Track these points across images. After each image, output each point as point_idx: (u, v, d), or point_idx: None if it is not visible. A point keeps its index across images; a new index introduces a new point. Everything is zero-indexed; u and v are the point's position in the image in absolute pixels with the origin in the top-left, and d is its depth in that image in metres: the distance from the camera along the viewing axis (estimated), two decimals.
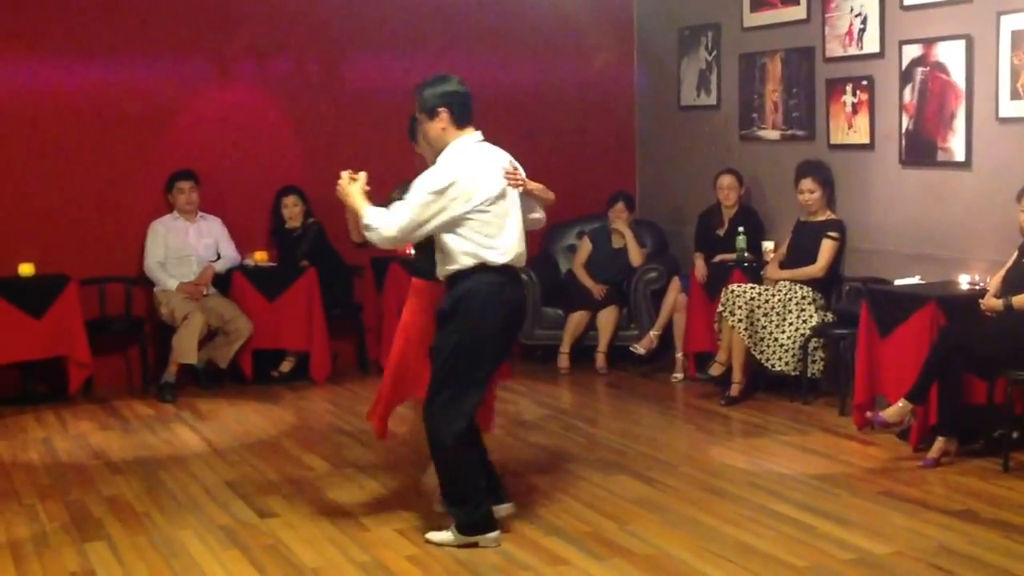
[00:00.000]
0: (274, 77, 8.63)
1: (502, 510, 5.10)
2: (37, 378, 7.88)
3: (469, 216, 4.82)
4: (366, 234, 4.92)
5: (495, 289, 4.88)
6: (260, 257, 8.37)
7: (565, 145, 9.42)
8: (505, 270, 4.93)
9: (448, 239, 4.85)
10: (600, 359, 8.53)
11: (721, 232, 8.24)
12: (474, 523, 4.88)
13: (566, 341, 8.63)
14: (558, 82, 9.43)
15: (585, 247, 8.88)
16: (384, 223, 4.82)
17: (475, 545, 4.86)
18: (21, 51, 8.01)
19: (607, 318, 8.57)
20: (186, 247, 8.23)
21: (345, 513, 5.33)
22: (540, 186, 5.25)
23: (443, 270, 4.95)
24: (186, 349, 7.82)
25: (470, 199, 4.82)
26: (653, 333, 8.31)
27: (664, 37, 9.36)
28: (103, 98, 8.20)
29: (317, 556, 4.80)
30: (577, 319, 8.63)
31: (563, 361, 8.60)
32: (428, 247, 5.04)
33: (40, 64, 8.06)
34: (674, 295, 8.26)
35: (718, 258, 8.09)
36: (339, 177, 5.00)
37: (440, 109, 4.94)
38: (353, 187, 4.96)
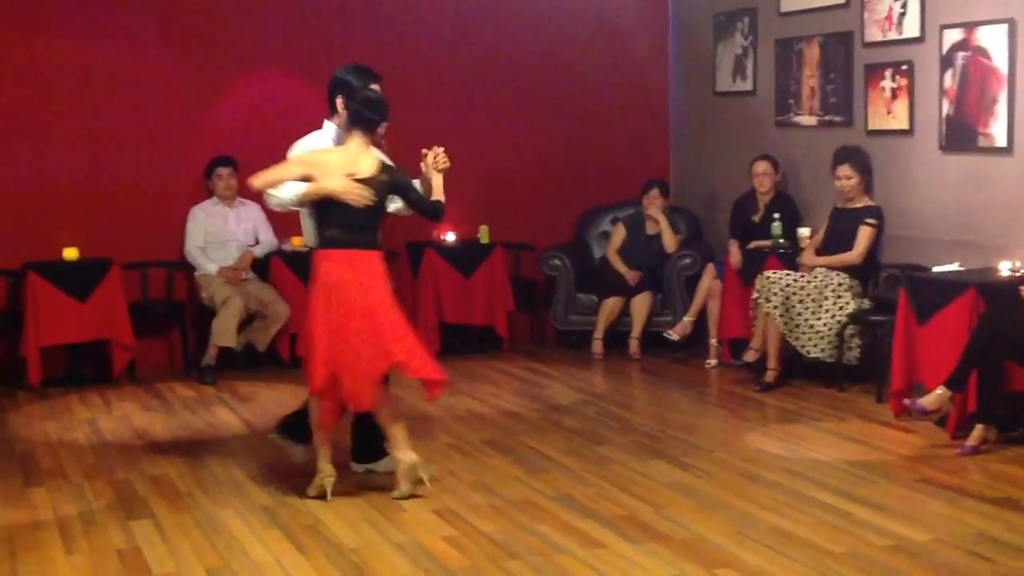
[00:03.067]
0: (314, 63, 8.69)
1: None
2: (82, 360, 8.03)
3: None
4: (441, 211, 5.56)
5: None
6: (298, 242, 8.43)
7: (599, 131, 9.47)
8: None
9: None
10: (634, 345, 8.58)
11: (756, 218, 8.25)
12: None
13: (600, 327, 8.68)
14: (592, 68, 9.47)
15: (619, 233, 8.92)
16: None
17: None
18: (66, 38, 8.14)
19: (641, 304, 8.61)
20: (225, 232, 8.33)
21: (383, 494, 5.40)
22: None
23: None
24: (226, 332, 7.92)
25: None
26: (687, 319, 8.35)
27: (700, 22, 9.37)
28: (145, 84, 8.32)
29: (356, 536, 4.88)
30: (611, 305, 8.68)
31: (597, 347, 8.65)
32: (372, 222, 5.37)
33: (83, 51, 8.19)
34: (708, 281, 8.29)
35: (753, 244, 8.11)
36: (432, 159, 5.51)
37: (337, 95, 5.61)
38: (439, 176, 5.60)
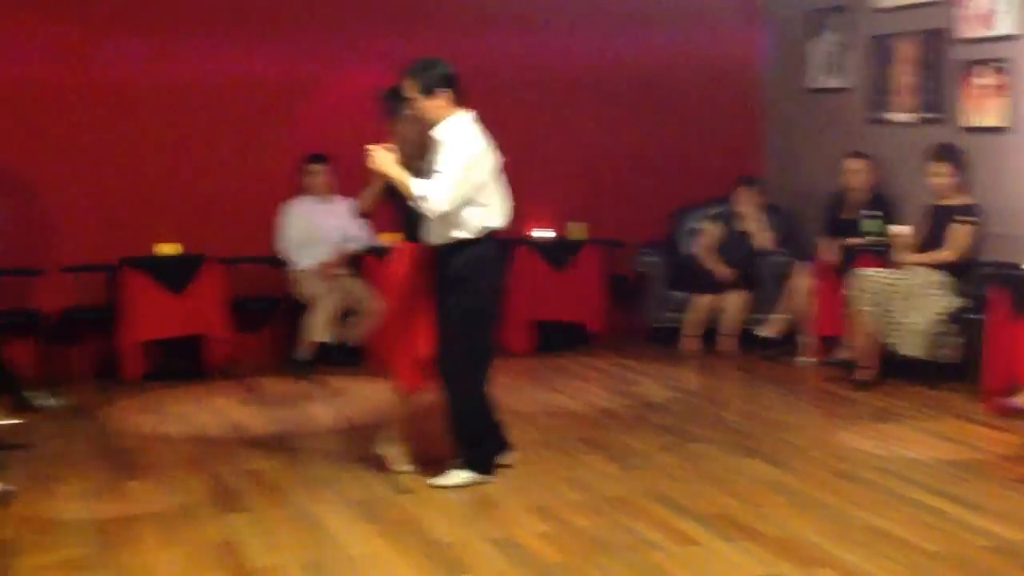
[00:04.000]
0: (405, 59, 8.75)
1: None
2: (178, 354, 8.17)
3: (484, 185, 5.35)
4: (420, 204, 5.29)
5: (499, 254, 5.50)
6: (389, 239, 8.52)
7: (690, 127, 9.41)
8: (496, 234, 5.47)
9: (464, 208, 5.33)
10: (726, 342, 8.51)
11: (850, 216, 8.14)
12: (484, 463, 5.48)
13: (692, 324, 8.64)
14: (684, 64, 9.40)
15: (711, 230, 8.85)
16: (436, 194, 5.24)
17: (481, 484, 5.44)
18: (164, 36, 8.28)
19: (733, 302, 8.55)
20: (319, 228, 8.41)
21: (477, 490, 5.42)
22: None
23: (445, 236, 5.38)
24: (319, 328, 8.01)
25: (487, 169, 5.38)
26: (780, 316, 8.27)
27: (791, 18, 9.26)
28: (241, 82, 8.44)
29: (451, 532, 4.90)
30: (703, 302, 8.63)
31: (689, 344, 8.60)
32: (409, 209, 5.41)
33: (181, 49, 8.32)
34: (802, 279, 8.20)
35: (847, 242, 8.00)
36: (368, 151, 5.42)
37: (439, 89, 5.37)
38: (389, 159, 5.38)
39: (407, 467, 5.67)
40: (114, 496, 5.50)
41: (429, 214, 5.30)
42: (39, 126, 8.07)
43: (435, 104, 5.40)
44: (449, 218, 5.33)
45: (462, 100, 5.48)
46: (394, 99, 5.60)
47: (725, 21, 9.49)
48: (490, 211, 5.43)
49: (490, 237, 5.43)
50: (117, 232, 8.14)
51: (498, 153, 5.51)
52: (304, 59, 8.56)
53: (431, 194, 5.26)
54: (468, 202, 5.34)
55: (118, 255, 7.96)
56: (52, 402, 6.39)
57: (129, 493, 5.54)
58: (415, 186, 5.28)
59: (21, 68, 8.00)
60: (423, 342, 5.52)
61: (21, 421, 6.21)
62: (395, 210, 5.64)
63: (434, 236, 5.43)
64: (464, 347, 5.42)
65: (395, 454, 5.72)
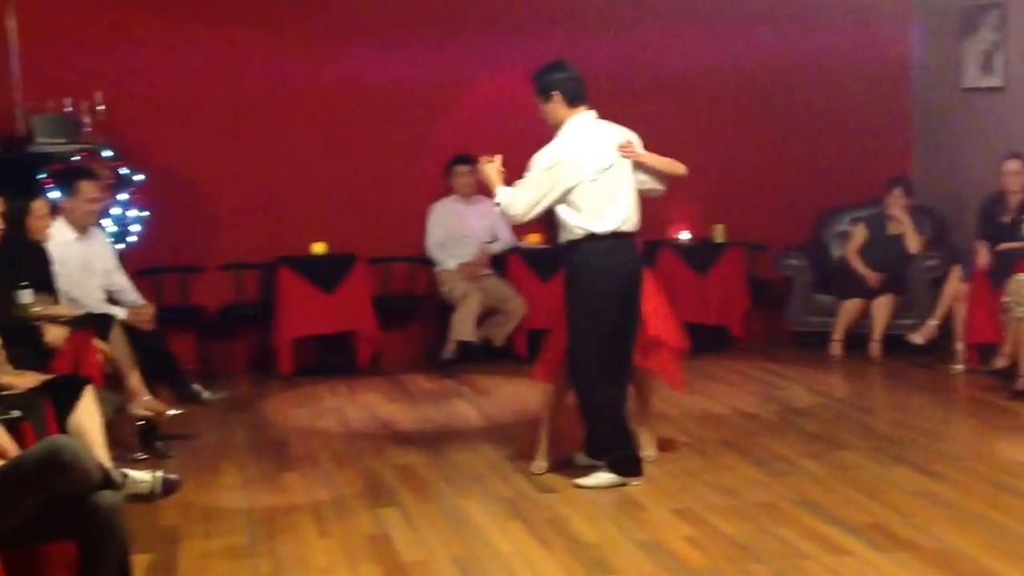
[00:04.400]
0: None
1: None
2: (330, 351, 8.39)
3: (579, 189, 5.40)
4: (502, 211, 5.51)
5: (604, 257, 5.43)
6: (534, 239, 8.61)
7: (839, 128, 9.27)
8: (615, 237, 5.45)
9: (561, 211, 5.48)
10: (875, 348, 8.36)
11: (1006, 219, 7.92)
12: (626, 465, 5.48)
13: (839, 328, 8.51)
14: (832, 63, 9.25)
15: (860, 233, 8.71)
16: (510, 201, 5.44)
17: (624, 485, 5.45)
18: (320, 43, 8.51)
19: (883, 306, 8.39)
20: (464, 229, 8.54)
21: (622, 492, 5.45)
22: (664, 160, 5.75)
23: (560, 238, 5.59)
24: (465, 327, 8.13)
25: (578, 173, 5.40)
26: (932, 323, 8.08)
27: (945, 15, 9.05)
28: (391, 86, 8.62)
29: (596, 532, 4.93)
30: (851, 307, 8.49)
31: (836, 349, 8.48)
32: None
33: (331, 54, 8.54)
34: (955, 284, 8.00)
35: (1003, 246, 7.78)
36: (481, 162, 5.64)
37: (553, 92, 5.46)
38: (490, 168, 5.56)
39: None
40: (271, 487, 5.69)
41: (509, 220, 5.68)
42: (201, 130, 8.37)
43: (552, 107, 5.52)
44: (560, 221, 5.52)
45: (588, 102, 5.58)
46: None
47: (876, 19, 9.31)
48: (589, 215, 5.44)
49: (594, 239, 5.44)
50: (273, 232, 8.40)
51: (614, 155, 5.54)
52: (451, 63, 8.69)
53: (505, 200, 5.46)
54: (557, 206, 5.47)
55: (274, 254, 8.21)
56: (212, 395, 6.63)
57: (285, 484, 5.72)
58: (499, 193, 5.50)
59: (185, 74, 8.31)
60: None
61: (183, 412, 6.44)
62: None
63: (559, 238, 5.62)
64: (579, 346, 5.46)
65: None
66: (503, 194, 5.48)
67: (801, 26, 9.20)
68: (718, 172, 9.06)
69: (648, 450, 5.87)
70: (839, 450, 6.10)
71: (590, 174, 5.45)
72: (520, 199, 5.44)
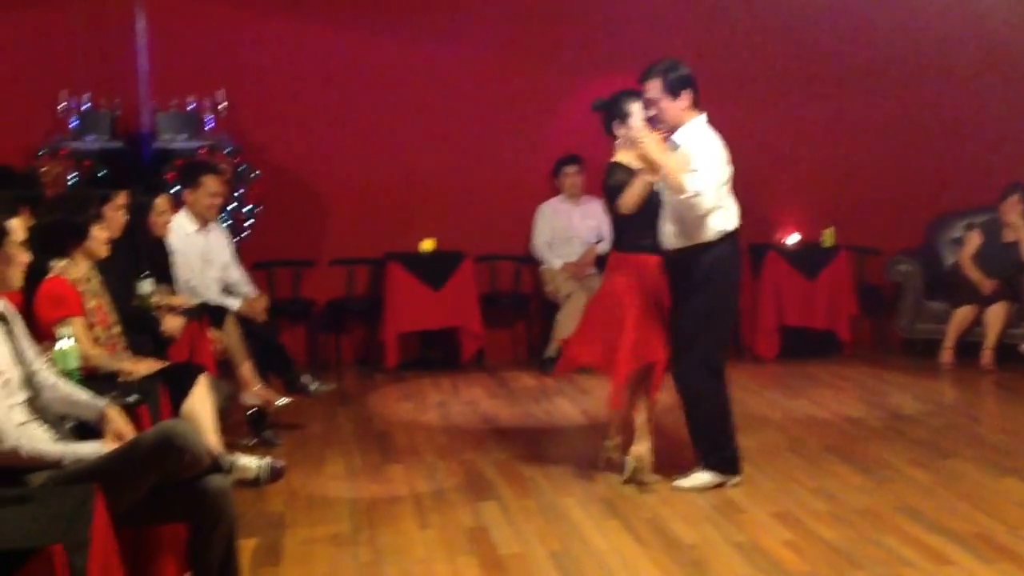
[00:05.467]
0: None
1: None
2: (435, 346, 8.51)
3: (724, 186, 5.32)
4: (693, 200, 5.15)
5: (738, 253, 5.45)
6: None
7: (953, 131, 9.12)
8: (736, 234, 5.41)
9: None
10: (987, 356, 8.20)
11: None
12: (726, 464, 5.47)
13: (950, 336, 8.37)
14: (947, 65, 9.11)
15: (974, 240, 8.55)
16: (708, 190, 5.17)
17: (723, 485, 5.43)
18: (428, 46, 8.65)
19: (996, 314, 8.23)
20: (571, 228, 8.59)
21: (721, 493, 5.44)
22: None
23: (689, 240, 5.33)
24: (569, 326, 8.13)
25: (728, 171, 5.34)
26: None
27: None
28: (497, 89, 8.74)
29: (694, 533, 4.93)
30: (963, 314, 8.34)
31: (946, 356, 8.34)
32: (628, 221, 5.43)
33: (443, 58, 8.69)
34: None
35: None
36: (639, 136, 5.25)
37: (683, 90, 5.30)
38: (652, 143, 5.21)
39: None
40: (374, 477, 5.80)
41: (698, 210, 5.19)
42: (316, 128, 8.59)
43: (679, 106, 5.31)
44: (691, 221, 5.29)
45: (699, 103, 5.41)
46: (610, 108, 5.63)
47: (995, 19, 9.12)
48: (728, 213, 5.40)
49: (727, 238, 5.39)
50: (384, 229, 8.55)
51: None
52: (558, 68, 8.76)
53: (704, 188, 5.14)
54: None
55: (384, 250, 8.36)
56: (321, 387, 6.76)
57: (388, 475, 5.83)
58: (688, 180, 5.12)
59: (303, 73, 8.53)
60: (652, 350, 5.51)
61: (291, 401, 6.59)
62: (617, 218, 5.59)
63: (676, 241, 5.40)
64: (706, 348, 5.42)
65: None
66: (696, 181, 5.13)
67: (918, 26, 9.06)
68: (829, 174, 9.00)
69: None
70: (946, 458, 6.00)
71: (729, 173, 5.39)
72: (714, 189, 5.21)
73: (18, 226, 3.59)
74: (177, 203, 6.71)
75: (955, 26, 9.09)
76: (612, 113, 5.63)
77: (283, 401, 6.46)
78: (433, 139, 8.71)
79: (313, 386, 6.74)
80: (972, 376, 8.06)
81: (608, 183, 5.58)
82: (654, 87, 5.32)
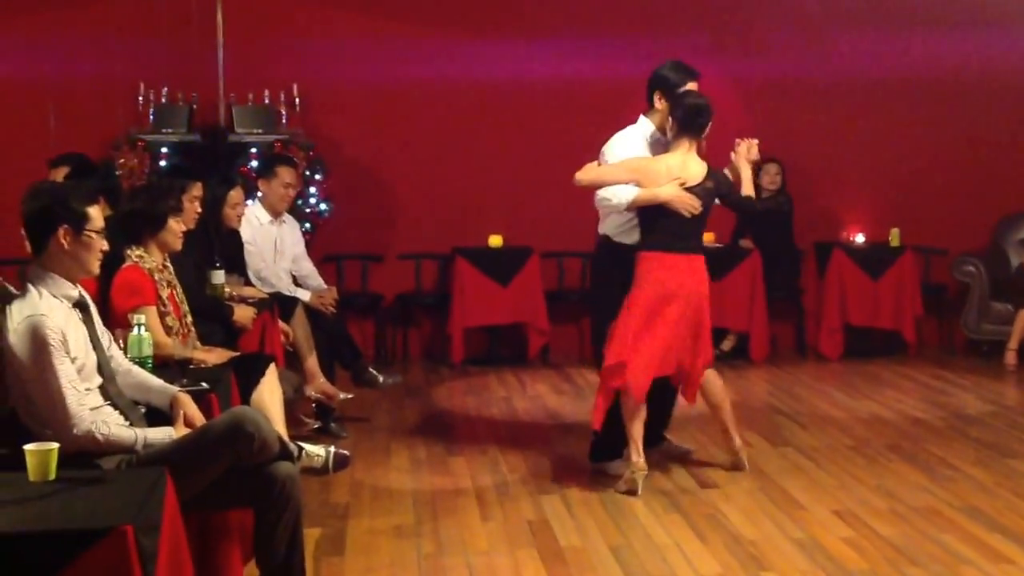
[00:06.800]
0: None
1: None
2: (500, 342, 8.60)
3: None
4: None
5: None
6: (708, 238, 8.60)
7: (1019, 133, 9.02)
8: None
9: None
10: None
11: None
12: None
13: (1015, 338, 8.30)
14: (1017, 63, 8.99)
15: None
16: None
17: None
18: (495, 41, 8.77)
19: None
20: None
21: (782, 490, 5.46)
22: None
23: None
24: None
25: None
26: None
27: None
28: (566, 84, 8.81)
29: (754, 529, 4.96)
30: None
31: (1010, 358, 8.28)
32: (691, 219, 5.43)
33: (511, 53, 8.80)
34: None
35: None
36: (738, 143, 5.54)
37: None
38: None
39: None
40: (438, 469, 5.89)
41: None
42: (386, 124, 8.73)
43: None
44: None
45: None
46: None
47: None
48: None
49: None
50: (452, 224, 8.66)
51: None
52: (626, 60, 8.75)
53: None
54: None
55: (452, 245, 8.46)
56: (388, 379, 6.84)
57: (452, 468, 5.91)
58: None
59: (374, 70, 8.66)
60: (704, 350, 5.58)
61: (353, 396, 6.67)
62: (667, 219, 5.48)
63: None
64: None
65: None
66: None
67: (987, 29, 8.98)
68: (896, 174, 8.95)
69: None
70: (1007, 458, 5.98)
71: None
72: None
73: (96, 214, 3.70)
74: (249, 195, 6.83)
75: (1018, 27, 8.99)
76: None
77: (345, 396, 6.53)
78: (501, 135, 8.79)
79: (381, 380, 6.81)
80: None
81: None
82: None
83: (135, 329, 4.29)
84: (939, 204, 8.98)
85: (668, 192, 5.34)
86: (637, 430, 5.44)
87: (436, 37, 8.70)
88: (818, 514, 5.14)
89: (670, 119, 5.47)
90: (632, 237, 5.56)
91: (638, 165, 5.46)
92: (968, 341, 8.76)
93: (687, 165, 5.42)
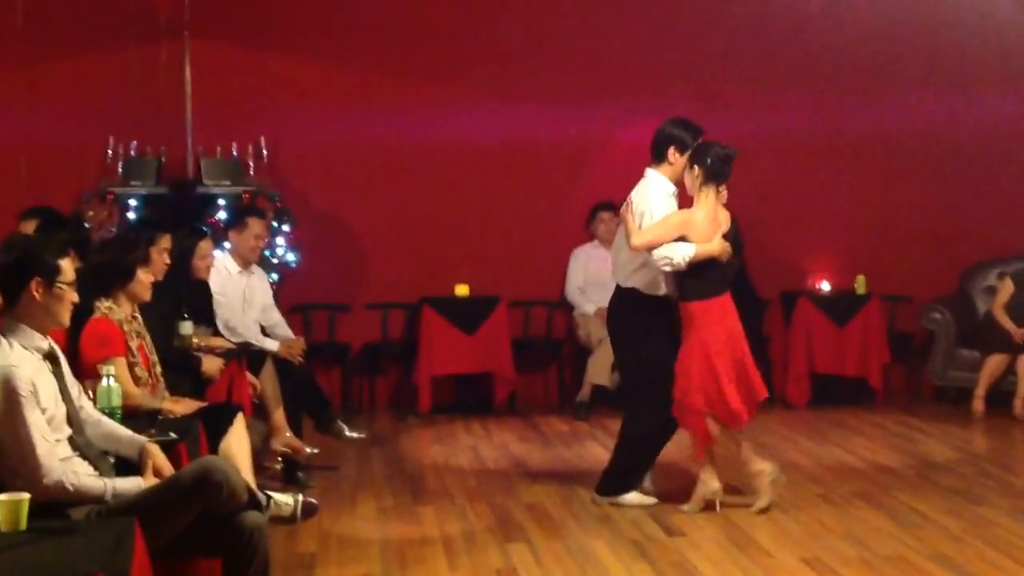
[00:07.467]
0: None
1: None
2: (467, 390, 8.60)
3: None
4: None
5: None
6: None
7: (987, 179, 9.16)
8: None
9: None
10: (1019, 406, 8.20)
11: None
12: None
13: (982, 384, 8.37)
14: (983, 112, 9.15)
15: (1006, 288, 8.56)
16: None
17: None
18: (462, 95, 8.84)
19: None
20: (604, 274, 8.55)
21: (749, 538, 5.47)
22: None
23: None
24: (601, 371, 8.24)
25: None
26: None
27: None
28: (533, 138, 8.89)
29: None
30: (995, 363, 8.35)
31: (978, 405, 8.34)
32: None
33: (478, 107, 8.86)
34: None
35: None
36: None
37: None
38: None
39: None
40: (405, 518, 5.88)
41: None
42: (353, 175, 8.78)
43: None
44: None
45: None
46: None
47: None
48: None
49: None
50: (419, 273, 8.68)
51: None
52: (592, 118, 8.90)
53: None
54: None
55: (419, 295, 8.48)
56: (353, 434, 6.85)
57: (419, 517, 5.89)
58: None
59: (340, 123, 8.71)
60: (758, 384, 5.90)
61: (318, 452, 6.62)
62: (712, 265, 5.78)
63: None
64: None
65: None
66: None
67: (949, 89, 9.13)
68: (861, 222, 9.05)
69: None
70: (976, 506, 6.01)
71: None
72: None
73: (68, 267, 3.72)
74: (217, 247, 6.86)
75: (991, 89, 9.13)
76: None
77: (310, 451, 6.49)
78: (468, 185, 8.84)
79: (346, 433, 6.81)
80: (1004, 425, 8.06)
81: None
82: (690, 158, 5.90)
83: (104, 380, 4.29)
84: (905, 251, 9.08)
85: (719, 247, 5.71)
86: (747, 450, 5.91)
87: (402, 92, 8.75)
88: (786, 562, 5.14)
89: (695, 169, 5.75)
90: (653, 288, 5.90)
91: (681, 220, 5.78)
92: (935, 388, 8.83)
93: (718, 214, 5.76)
